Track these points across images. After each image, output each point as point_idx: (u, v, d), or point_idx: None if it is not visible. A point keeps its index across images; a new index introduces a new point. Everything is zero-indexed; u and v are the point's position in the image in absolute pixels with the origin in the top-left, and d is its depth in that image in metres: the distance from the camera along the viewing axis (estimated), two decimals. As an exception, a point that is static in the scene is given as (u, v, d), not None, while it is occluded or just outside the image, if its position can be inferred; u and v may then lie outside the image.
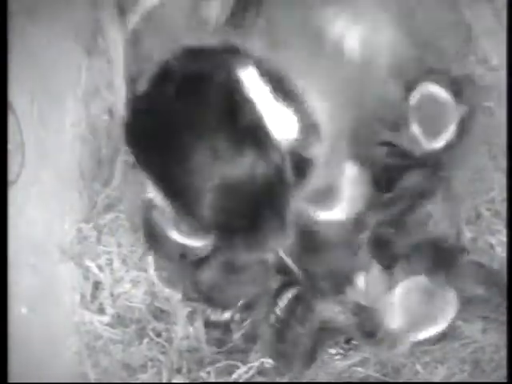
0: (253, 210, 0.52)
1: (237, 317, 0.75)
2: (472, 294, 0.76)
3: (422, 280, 0.74)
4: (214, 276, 0.75)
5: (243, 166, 0.50)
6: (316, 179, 0.57)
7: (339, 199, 0.70)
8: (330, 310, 0.75)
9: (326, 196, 0.69)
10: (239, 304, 0.75)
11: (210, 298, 0.76)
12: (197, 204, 0.51)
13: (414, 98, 0.75)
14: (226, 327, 0.76)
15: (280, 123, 0.53)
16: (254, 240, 0.54)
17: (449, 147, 0.76)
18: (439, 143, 0.76)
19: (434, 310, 0.74)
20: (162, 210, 0.70)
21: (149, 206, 0.74)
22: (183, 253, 0.74)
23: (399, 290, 0.74)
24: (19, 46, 0.69)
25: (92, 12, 0.82)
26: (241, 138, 0.50)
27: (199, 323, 0.77)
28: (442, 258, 0.75)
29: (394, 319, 0.74)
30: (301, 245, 0.72)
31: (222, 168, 0.50)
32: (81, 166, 0.82)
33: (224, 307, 0.76)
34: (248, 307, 0.76)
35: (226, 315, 0.76)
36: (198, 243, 0.72)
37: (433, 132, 0.76)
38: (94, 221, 0.80)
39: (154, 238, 0.75)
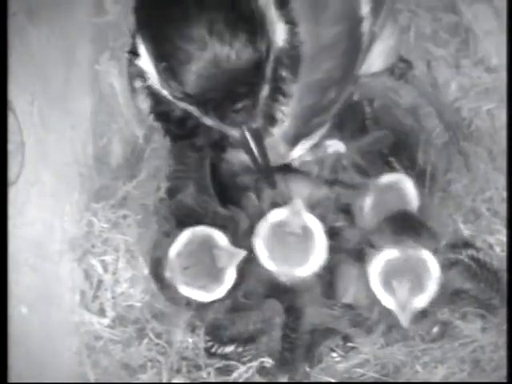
0: (230, 87, 0.57)
1: (239, 350, 0.76)
2: (459, 287, 0.76)
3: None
4: (219, 317, 0.77)
5: (233, 47, 0.55)
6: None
7: None
8: (319, 314, 0.76)
9: None
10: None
11: (214, 335, 0.77)
12: (183, 68, 0.56)
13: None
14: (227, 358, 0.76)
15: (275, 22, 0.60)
16: (223, 113, 0.59)
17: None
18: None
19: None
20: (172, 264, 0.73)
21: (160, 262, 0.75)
22: (189, 302, 0.75)
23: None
24: (19, 46, 0.70)
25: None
26: (238, 23, 0.55)
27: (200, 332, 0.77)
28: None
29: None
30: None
31: (214, 43, 0.55)
32: (82, 166, 0.82)
33: (226, 343, 0.76)
34: (251, 340, 0.76)
35: (227, 349, 0.76)
36: (207, 298, 0.74)
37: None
38: (95, 220, 0.81)
39: (162, 283, 0.76)
